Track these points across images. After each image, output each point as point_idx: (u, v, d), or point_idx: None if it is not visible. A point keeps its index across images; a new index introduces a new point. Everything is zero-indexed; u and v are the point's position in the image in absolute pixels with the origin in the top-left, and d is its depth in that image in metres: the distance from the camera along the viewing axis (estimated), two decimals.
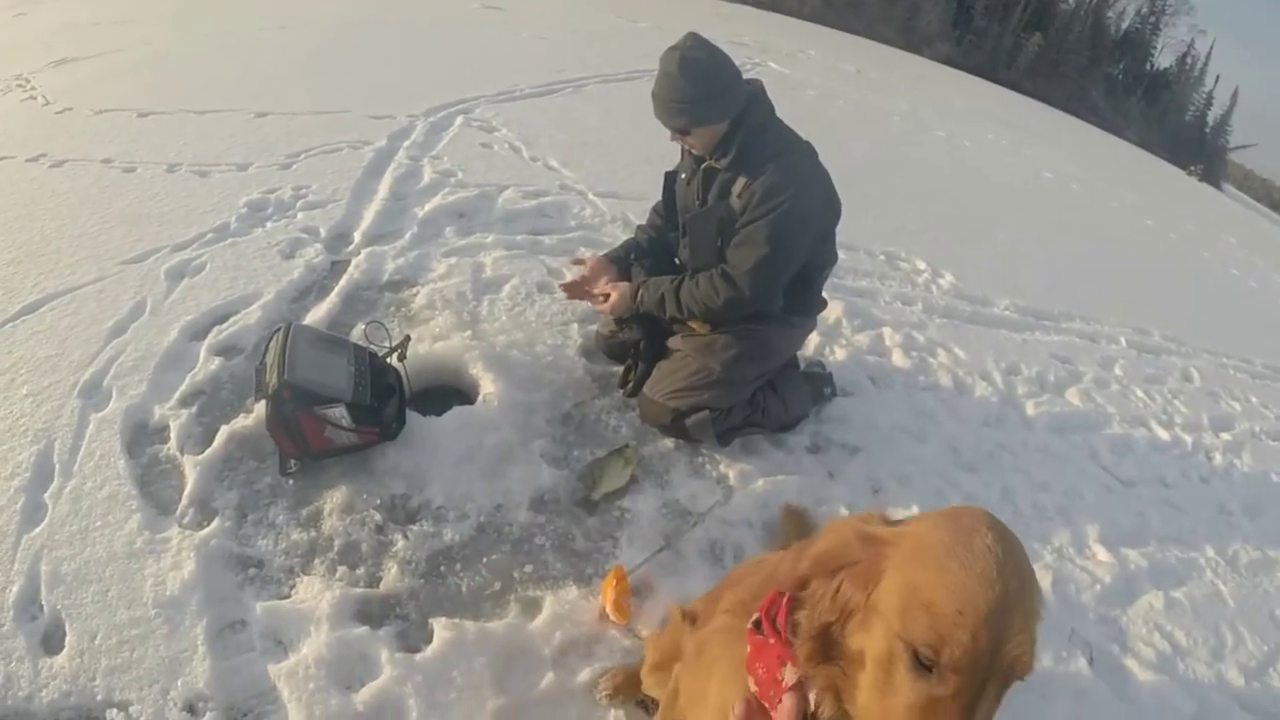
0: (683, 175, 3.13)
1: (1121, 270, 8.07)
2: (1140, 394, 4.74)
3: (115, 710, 2.02)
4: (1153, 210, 13.57)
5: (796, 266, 2.97)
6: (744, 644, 1.32)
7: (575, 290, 3.33)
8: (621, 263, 3.37)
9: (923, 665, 0.96)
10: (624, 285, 3.17)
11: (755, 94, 2.86)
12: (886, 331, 4.48)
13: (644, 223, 3.52)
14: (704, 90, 2.74)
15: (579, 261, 3.42)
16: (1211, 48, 66.10)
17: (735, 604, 1.64)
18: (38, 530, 2.41)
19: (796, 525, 2.84)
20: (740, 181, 2.85)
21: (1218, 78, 65.09)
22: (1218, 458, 4.26)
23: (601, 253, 3.45)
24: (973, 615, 0.93)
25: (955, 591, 0.95)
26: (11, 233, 3.90)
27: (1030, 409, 4.15)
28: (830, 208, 2.97)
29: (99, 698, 2.04)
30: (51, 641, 2.15)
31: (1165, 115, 57.73)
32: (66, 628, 2.17)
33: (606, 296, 3.21)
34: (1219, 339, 6.35)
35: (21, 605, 2.21)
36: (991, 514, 1.08)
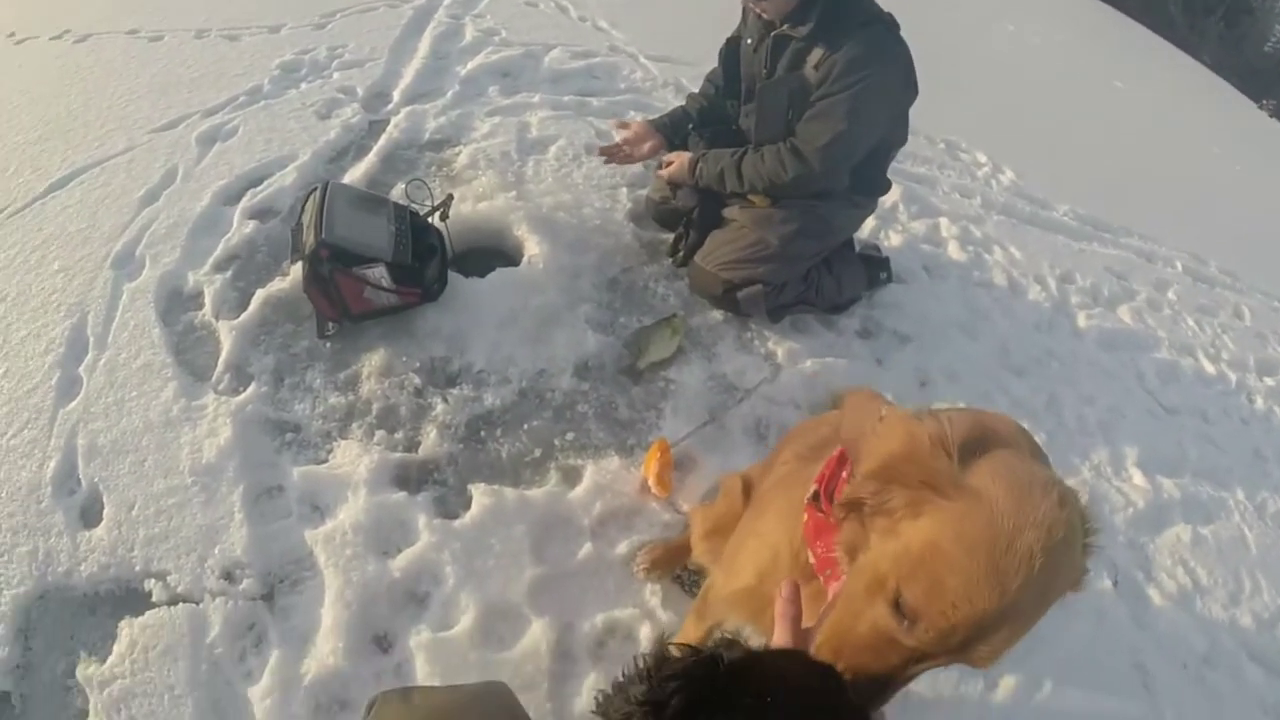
0: (748, 41, 2.87)
1: (1182, 194, 7.60)
2: (1191, 323, 4.50)
3: (153, 580, 2.01)
4: (1219, 138, 12.70)
5: (870, 145, 2.79)
6: (801, 488, 1.32)
7: (615, 154, 3.15)
8: (667, 129, 3.17)
9: (899, 609, 0.97)
10: (683, 155, 2.98)
11: None
12: (943, 222, 4.28)
13: (696, 91, 3.29)
14: None
15: (623, 125, 3.21)
16: None
17: (794, 457, 1.65)
18: (73, 404, 2.37)
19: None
20: (817, 52, 2.60)
21: None
22: (1259, 401, 4.05)
23: (649, 117, 3.25)
24: (964, 614, 0.93)
25: (965, 585, 0.93)
26: (38, 111, 3.76)
27: (1082, 320, 3.99)
28: (910, 86, 2.73)
29: (137, 568, 2.03)
30: (89, 515, 2.13)
31: (1243, 41, 53.92)
32: (104, 500, 2.16)
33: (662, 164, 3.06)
34: (1275, 281, 5.97)
35: (59, 480, 2.19)
36: (1069, 511, 1.01)
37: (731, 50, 3.02)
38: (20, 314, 2.64)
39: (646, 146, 3.12)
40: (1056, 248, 4.61)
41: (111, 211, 3.09)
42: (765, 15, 2.67)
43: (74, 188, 3.22)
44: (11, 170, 3.33)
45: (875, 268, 3.47)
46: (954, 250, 4.08)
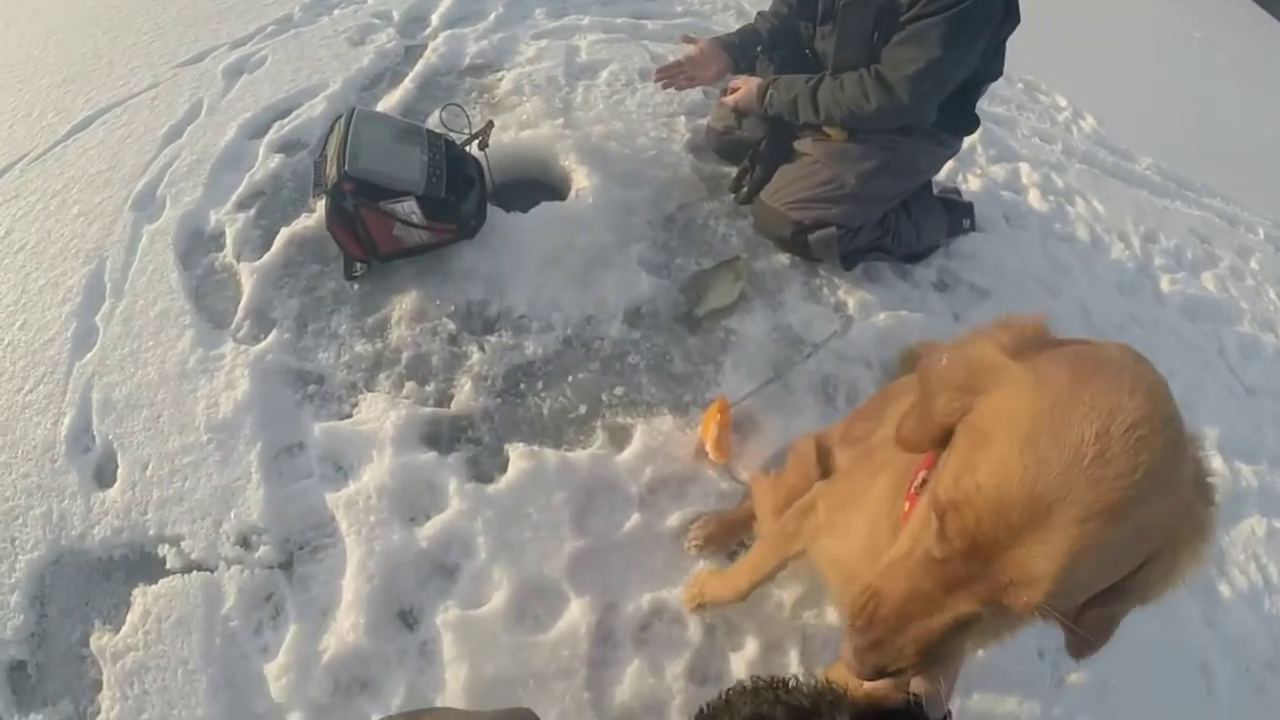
0: None
1: (1265, 155, 7.20)
2: (1274, 295, 4.24)
3: (167, 545, 1.94)
4: None
5: (964, 77, 2.52)
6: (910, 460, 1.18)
7: (674, 75, 2.87)
8: (734, 50, 2.89)
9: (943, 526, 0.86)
10: (751, 80, 2.72)
11: None
12: (1024, 168, 4.04)
13: (767, 9, 2.99)
14: None
15: (689, 40, 2.93)
16: None
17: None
18: (89, 356, 2.28)
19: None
20: None
21: None
22: None
23: (715, 35, 2.98)
24: (989, 499, 0.80)
25: (996, 471, 0.80)
26: (62, 52, 3.65)
27: (1165, 284, 3.77)
28: (1013, 13, 2.47)
29: (151, 533, 1.93)
30: (104, 474, 2.05)
31: None
32: (118, 459, 2.05)
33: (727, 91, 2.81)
34: None
35: (74, 437, 2.11)
36: (1155, 407, 0.80)
37: None
38: (39, 263, 2.54)
39: (713, 69, 2.85)
40: (1140, 204, 4.38)
41: (133, 151, 2.95)
42: None
43: (96, 128, 3.08)
44: (35, 114, 3.22)
45: (957, 214, 3.25)
46: (1035, 199, 3.87)
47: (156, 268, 2.49)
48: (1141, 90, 6.71)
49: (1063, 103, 5.15)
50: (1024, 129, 4.50)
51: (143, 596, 1.84)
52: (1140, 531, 0.79)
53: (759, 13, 2.98)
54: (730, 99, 2.79)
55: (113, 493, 1.98)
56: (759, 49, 2.91)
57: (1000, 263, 3.29)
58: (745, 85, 2.73)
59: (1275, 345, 3.82)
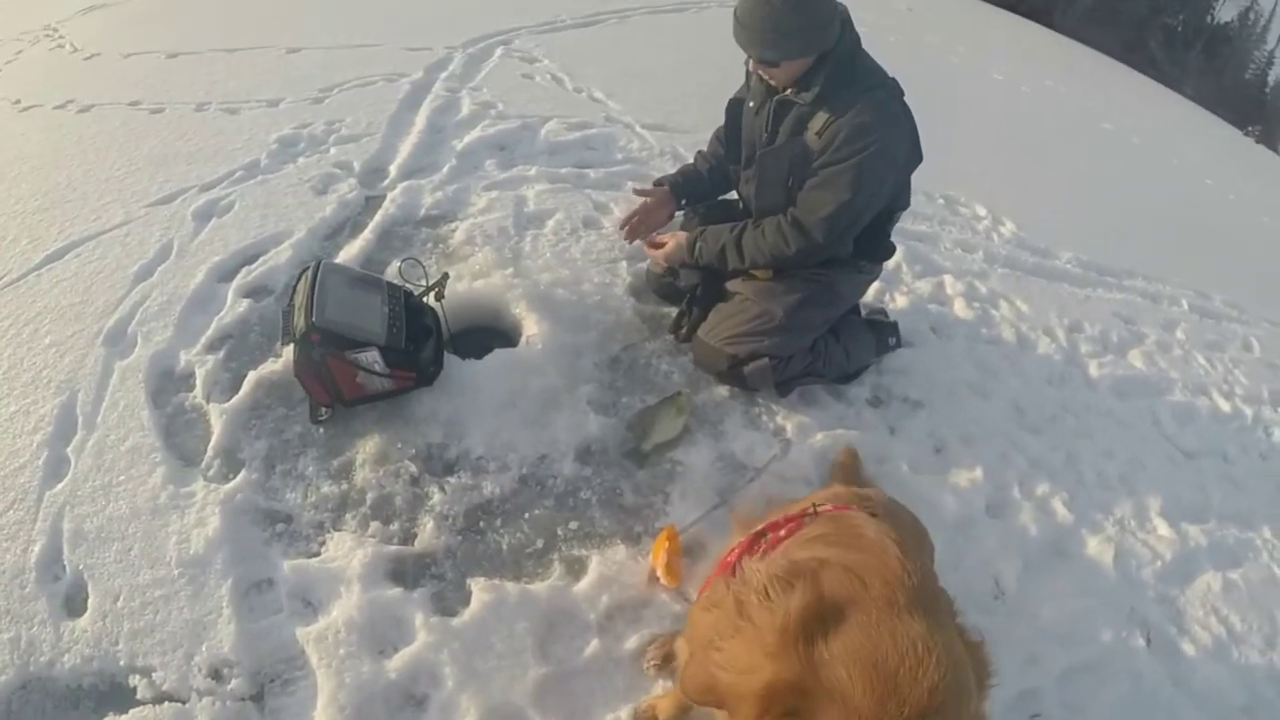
0: (750, 104, 2.87)
1: (1182, 229, 7.73)
2: (1202, 360, 4.53)
3: (138, 676, 1.97)
4: (1212, 169, 12.97)
5: (874, 213, 2.75)
6: None
7: (636, 228, 3.16)
8: (680, 189, 3.19)
9: None
10: (679, 234, 2.97)
11: (845, 21, 2.58)
12: (948, 279, 4.28)
13: (705, 149, 3.27)
14: (801, 21, 2.45)
15: (641, 192, 3.21)
16: (1276, 4, 61.38)
17: None
18: (60, 486, 2.34)
19: (851, 471, 2.74)
20: (821, 117, 2.59)
21: None
22: (1277, 434, 4.06)
23: (659, 180, 3.29)
24: None
25: None
26: (38, 180, 3.80)
27: (1094, 369, 3.99)
28: (915, 152, 2.72)
29: (122, 663, 1.97)
30: (74, 604, 2.08)
31: (1224, 72, 55.47)
32: (89, 589, 2.12)
33: (659, 245, 3.04)
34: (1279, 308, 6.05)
35: (44, 565, 2.16)
36: (945, 683, 1.02)
37: (735, 111, 3.00)
38: (10, 389, 2.62)
39: (664, 213, 3.15)
40: (1062, 297, 4.63)
41: (105, 286, 3.08)
42: (774, 82, 2.66)
43: (69, 260, 3.22)
44: (9, 239, 3.36)
45: (884, 333, 3.45)
46: (960, 308, 4.08)
47: (128, 404, 2.58)
48: (1058, 188, 7.07)
49: (982, 212, 5.42)
50: (946, 242, 4.74)
51: None
52: None
53: (698, 152, 3.25)
54: (660, 255, 3.00)
55: (83, 622, 2.01)
56: (683, 203, 3.19)
57: (930, 374, 3.46)
58: (673, 239, 2.96)
59: (1209, 407, 4.02)
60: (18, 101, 4.79)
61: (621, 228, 3.17)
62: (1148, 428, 3.71)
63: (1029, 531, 2.87)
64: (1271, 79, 60.99)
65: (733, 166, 3.06)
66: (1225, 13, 59.65)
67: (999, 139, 8.07)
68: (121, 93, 4.83)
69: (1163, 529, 3.12)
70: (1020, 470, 3.12)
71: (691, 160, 3.30)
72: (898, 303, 3.92)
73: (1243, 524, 3.29)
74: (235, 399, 2.62)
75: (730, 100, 2.99)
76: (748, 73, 2.83)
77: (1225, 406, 4.11)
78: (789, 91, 2.64)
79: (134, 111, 4.58)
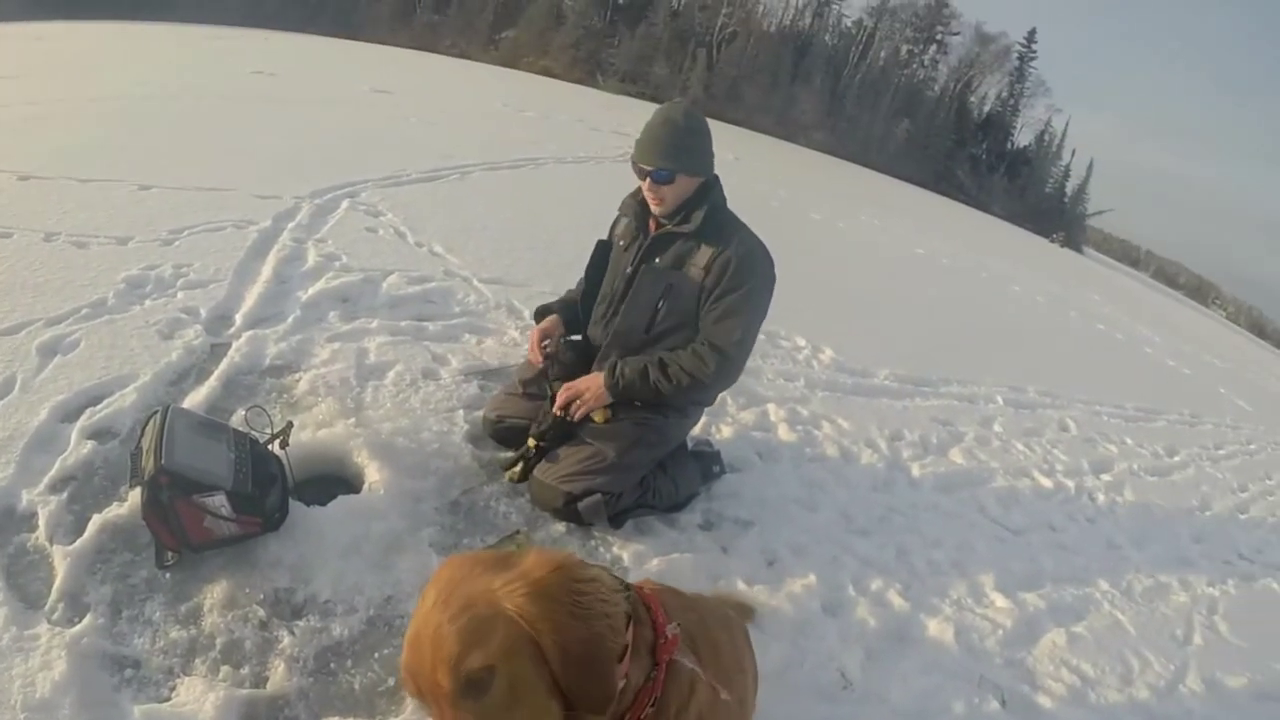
0: (620, 242, 3.28)
1: (994, 334, 8.64)
2: (1021, 447, 5.00)
3: None
4: (1020, 276, 14.50)
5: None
6: None
7: (542, 352, 3.42)
8: (561, 310, 3.53)
9: None
10: (591, 378, 3.20)
11: (716, 176, 3.15)
12: (771, 407, 4.62)
13: (574, 286, 3.65)
14: (698, 141, 2.99)
15: (543, 339, 3.45)
16: (1067, 124, 73.21)
17: None
18: None
19: None
20: (705, 251, 3.03)
21: (1074, 151, 70.97)
22: (1101, 498, 4.54)
23: (542, 306, 3.64)
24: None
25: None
26: None
27: (916, 471, 4.34)
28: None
29: None
30: None
31: (1027, 189, 63.45)
32: None
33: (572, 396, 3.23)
34: (1091, 389, 6.87)
35: None
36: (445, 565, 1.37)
37: (602, 250, 3.37)
38: None
39: (555, 331, 3.44)
40: (882, 410, 5.02)
41: None
42: (659, 206, 3.06)
43: None
44: None
45: (708, 462, 3.72)
46: (784, 432, 4.38)
47: None
48: (873, 313, 7.72)
49: (802, 342, 5.90)
50: (769, 373, 5.12)
51: None
52: None
53: (569, 290, 3.64)
54: (580, 410, 3.17)
55: None
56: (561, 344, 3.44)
57: (759, 494, 3.67)
58: (586, 385, 3.18)
59: (1032, 487, 4.41)
60: None
61: (547, 372, 3.39)
62: (974, 515, 4.03)
63: (868, 624, 3.03)
64: (1069, 189, 68.65)
65: (586, 306, 3.42)
66: (1023, 137, 68.29)
67: (817, 275, 8.66)
68: None
69: (1000, 601, 3.36)
70: (852, 570, 3.33)
71: (567, 293, 3.66)
72: (724, 433, 4.24)
73: (1079, 582, 3.61)
74: (79, 542, 2.63)
75: (598, 241, 3.39)
76: (618, 218, 3.30)
77: (1048, 483, 4.55)
78: (668, 224, 3.06)
79: None
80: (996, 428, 5.27)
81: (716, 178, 3.16)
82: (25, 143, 6.72)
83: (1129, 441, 5.69)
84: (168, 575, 2.61)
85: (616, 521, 3.23)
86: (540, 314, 3.61)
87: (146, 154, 6.98)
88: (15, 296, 3.95)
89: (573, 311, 3.54)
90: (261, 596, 2.61)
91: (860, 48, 60.48)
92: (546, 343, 3.43)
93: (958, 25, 63.51)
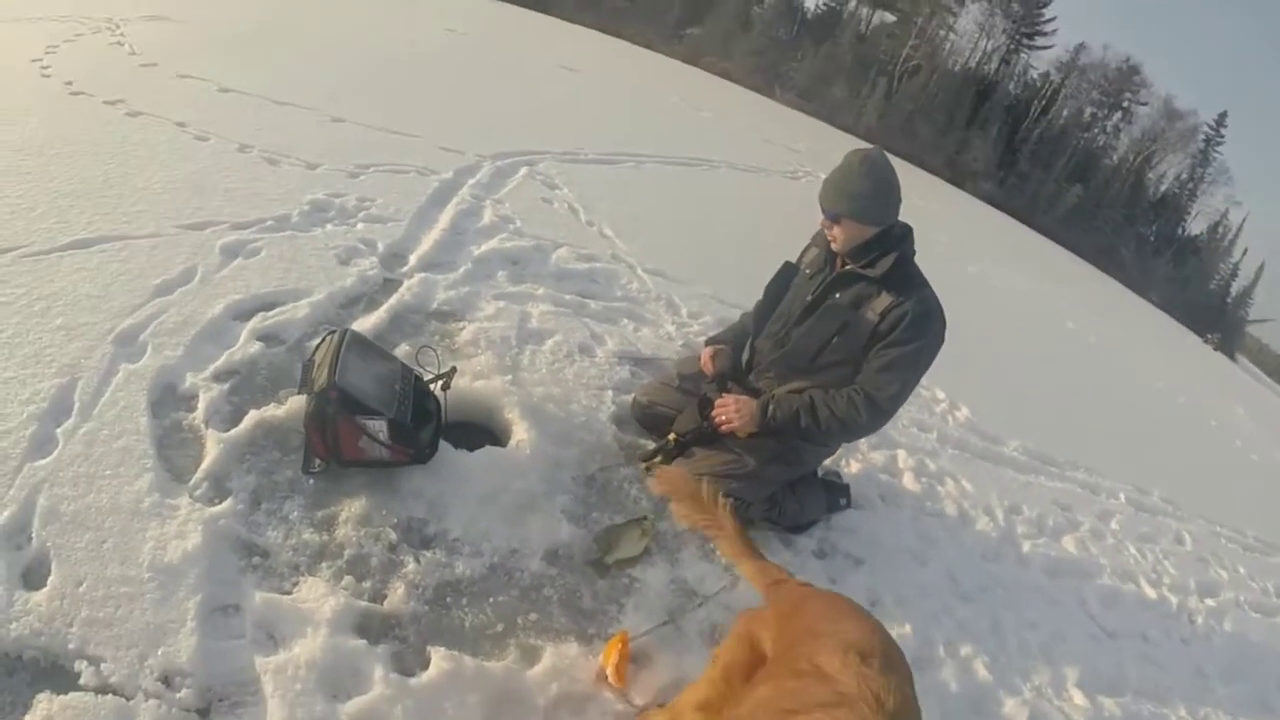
0: (806, 270, 3.26)
1: (1129, 427, 8.25)
2: (1133, 550, 4.78)
3: (86, 663, 1.92)
4: (1166, 372, 13.84)
5: None
6: None
7: (712, 374, 3.41)
8: (730, 341, 3.49)
9: None
10: (746, 401, 3.17)
11: (910, 229, 3.10)
12: (901, 454, 4.53)
13: (749, 310, 3.59)
14: (871, 188, 2.94)
15: (711, 354, 3.44)
16: (1244, 220, 66.30)
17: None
18: (44, 462, 2.34)
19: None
20: (885, 298, 2.98)
21: (1245, 250, 65.42)
22: (1200, 621, 4.26)
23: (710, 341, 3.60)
24: None
25: None
26: (76, 167, 3.91)
27: (1027, 548, 4.18)
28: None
29: (71, 646, 1.95)
30: (33, 576, 2.07)
31: (1190, 280, 58.71)
32: (52, 566, 2.09)
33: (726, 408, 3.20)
34: (1215, 507, 6.43)
35: (10, 532, 2.14)
36: None
37: (787, 273, 3.34)
38: (10, 356, 2.66)
39: (725, 357, 3.39)
40: (1005, 481, 4.85)
41: (125, 289, 3.18)
42: (835, 242, 3.05)
43: (94, 252, 3.32)
44: (39, 212, 3.44)
45: (836, 493, 3.66)
46: (909, 481, 4.28)
47: (127, 405, 2.64)
48: (1015, 380, 7.46)
49: (941, 395, 5.72)
50: (904, 420, 4.96)
51: (48, 703, 1.80)
52: None
53: (744, 313, 3.58)
54: (729, 427, 3.14)
55: (39, 596, 1.99)
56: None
57: (875, 536, 3.61)
58: (738, 406, 3.13)
59: (1135, 593, 4.17)
60: (70, 83, 4.94)
61: (706, 361, 3.41)
62: (1073, 606, 3.85)
63: (949, 687, 2.96)
64: (1234, 290, 63.93)
65: (760, 317, 3.38)
66: (1196, 225, 62.95)
67: (964, 329, 8.29)
68: (171, 110, 5.03)
69: (1079, 698, 3.21)
70: (947, 631, 3.23)
71: (739, 320, 3.63)
72: (852, 468, 4.14)
73: (1158, 700, 3.41)
74: (234, 431, 2.69)
75: (785, 263, 3.36)
76: (808, 246, 3.30)
77: (1151, 593, 4.29)
78: (852, 265, 3.04)
79: (180, 132, 4.78)
80: (1113, 524, 5.02)
81: (908, 229, 3.12)
82: (230, 58, 7.02)
83: (1241, 571, 5.29)
84: (311, 481, 2.64)
85: None
86: (710, 343, 3.58)
87: (341, 89, 7.25)
88: (205, 196, 4.10)
89: (743, 345, 3.49)
90: (396, 521, 2.62)
91: (1043, 102, 57.10)
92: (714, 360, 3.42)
93: (1147, 95, 59.14)
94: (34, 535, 2.15)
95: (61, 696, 1.84)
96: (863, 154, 3.00)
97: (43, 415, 2.49)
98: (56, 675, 1.90)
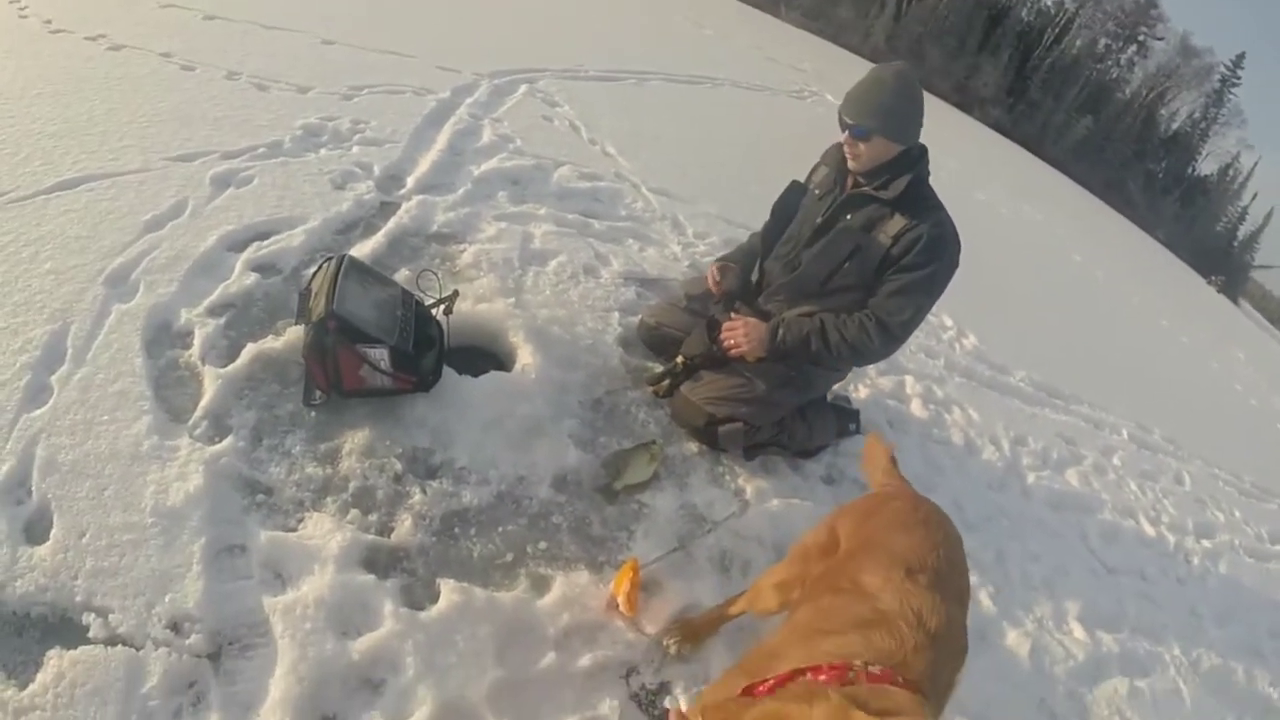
0: (816, 191, 3.14)
1: (1132, 363, 8.28)
2: (1134, 487, 4.80)
3: (93, 615, 1.91)
4: (1170, 312, 13.74)
5: None
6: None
7: (717, 287, 3.31)
8: (739, 260, 3.40)
9: None
10: (755, 325, 3.08)
11: (926, 150, 2.98)
12: (909, 380, 4.51)
13: (757, 230, 3.48)
14: (903, 106, 2.83)
15: (718, 272, 3.32)
16: (1256, 165, 65.89)
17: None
18: (39, 412, 2.30)
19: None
20: (898, 221, 2.87)
21: (1255, 195, 65.69)
22: (1196, 562, 4.29)
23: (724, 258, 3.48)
24: None
25: None
26: (59, 106, 3.79)
27: (1031, 479, 4.20)
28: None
29: (78, 599, 1.93)
30: (35, 530, 2.04)
31: (1197, 221, 58.19)
32: (54, 519, 2.06)
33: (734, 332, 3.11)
34: (1214, 449, 6.46)
35: (9, 487, 2.10)
36: None
37: (795, 193, 3.23)
38: (0, 303, 2.59)
39: (733, 275, 3.28)
40: (1011, 411, 4.86)
41: (114, 228, 3.09)
42: (855, 162, 2.91)
43: (81, 192, 3.22)
44: (22, 156, 3.34)
45: (845, 419, 3.64)
46: (916, 407, 4.27)
47: (121, 347, 2.57)
48: (1022, 311, 7.44)
49: (949, 323, 5.71)
50: (912, 346, 4.92)
51: (58, 659, 1.79)
52: None
53: (753, 233, 3.49)
54: (738, 350, 3.06)
55: (42, 550, 1.96)
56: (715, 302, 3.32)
57: None
58: (747, 330, 3.04)
59: (1135, 530, 4.22)
60: (49, 21, 4.79)
61: (713, 280, 3.29)
62: (1075, 540, 3.88)
63: None
64: (1241, 234, 63.47)
65: (768, 239, 3.29)
66: (1206, 166, 62.34)
67: (971, 258, 8.31)
68: (155, 41, 4.87)
69: (1078, 632, 3.25)
70: None
71: (748, 239, 3.52)
72: (860, 393, 4.11)
73: (1154, 638, 3.44)
74: (231, 366, 2.63)
75: (792, 182, 3.26)
76: (817, 165, 3.17)
77: (1150, 531, 4.33)
78: (866, 186, 2.91)
79: (165, 63, 4.63)
80: (1116, 460, 5.03)
81: (925, 150, 2.98)
82: None
83: (1237, 515, 5.29)
84: (313, 414, 2.60)
85: (749, 454, 3.23)
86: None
87: (332, 9, 7.04)
88: (194, 127, 3.98)
89: (751, 266, 3.40)
90: (400, 451, 2.58)
91: (1056, 30, 55.43)
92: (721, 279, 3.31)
93: (1163, 30, 58.14)
94: (34, 488, 2.12)
95: (71, 651, 1.83)
96: (894, 68, 2.87)
97: (36, 364, 2.43)
98: (65, 630, 1.88)
